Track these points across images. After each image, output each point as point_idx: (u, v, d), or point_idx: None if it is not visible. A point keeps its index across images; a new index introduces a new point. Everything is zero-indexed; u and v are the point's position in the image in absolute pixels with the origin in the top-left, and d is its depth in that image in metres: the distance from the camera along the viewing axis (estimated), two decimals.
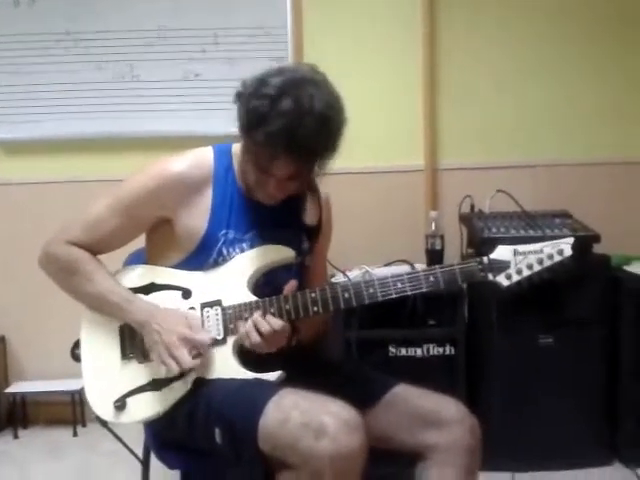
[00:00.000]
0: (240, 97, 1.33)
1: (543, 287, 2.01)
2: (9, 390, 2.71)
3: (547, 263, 1.33)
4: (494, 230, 2.21)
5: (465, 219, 2.45)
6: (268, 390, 1.28)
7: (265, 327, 1.33)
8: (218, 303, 1.41)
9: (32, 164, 2.75)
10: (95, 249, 1.45)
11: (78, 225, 1.45)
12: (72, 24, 2.66)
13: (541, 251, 1.33)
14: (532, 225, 2.22)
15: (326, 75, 1.35)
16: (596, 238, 2.19)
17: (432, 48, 2.66)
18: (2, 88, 2.70)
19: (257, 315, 1.34)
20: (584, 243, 2.18)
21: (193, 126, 2.65)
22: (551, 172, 2.67)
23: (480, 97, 2.68)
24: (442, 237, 2.42)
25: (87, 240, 1.44)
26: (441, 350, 2.21)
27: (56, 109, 2.69)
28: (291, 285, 1.37)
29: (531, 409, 2.18)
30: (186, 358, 1.34)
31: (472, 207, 2.51)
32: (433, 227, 2.43)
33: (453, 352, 2.21)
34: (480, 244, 2.14)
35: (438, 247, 2.40)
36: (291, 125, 1.26)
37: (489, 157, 2.68)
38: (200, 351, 1.36)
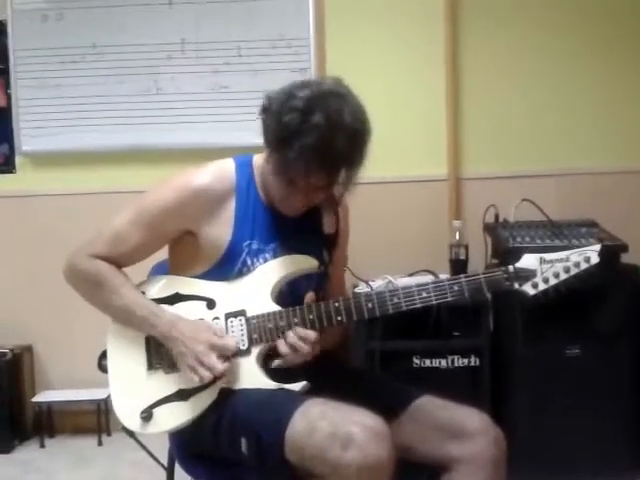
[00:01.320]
0: (267, 112, 1.34)
1: (570, 297, 1.99)
2: (35, 399, 2.74)
3: (574, 271, 1.31)
4: (519, 240, 2.19)
5: (489, 229, 2.43)
6: (294, 400, 1.28)
7: (303, 347, 1.34)
8: (242, 313, 1.41)
9: (58, 176, 2.80)
10: (119, 262, 1.46)
11: (102, 239, 1.45)
12: (98, 38, 2.71)
13: (568, 259, 1.31)
14: (558, 234, 2.20)
15: (349, 87, 1.36)
16: (624, 248, 2.16)
17: (455, 58, 2.66)
18: (30, 101, 2.75)
19: (291, 336, 1.35)
20: (612, 253, 2.14)
21: (217, 138, 2.67)
22: (576, 181, 2.65)
23: (503, 106, 2.67)
24: (466, 247, 2.40)
25: (111, 254, 1.45)
26: (466, 361, 2.19)
27: (82, 122, 2.74)
28: (310, 297, 1.38)
29: (557, 421, 2.15)
30: (216, 363, 1.35)
31: (496, 216, 2.49)
32: (457, 237, 2.41)
33: (478, 363, 2.19)
34: (505, 254, 2.12)
35: (462, 257, 2.38)
36: (324, 139, 1.27)
37: (513, 166, 2.66)
38: (228, 355, 1.37)
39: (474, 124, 2.68)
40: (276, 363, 1.38)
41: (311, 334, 1.35)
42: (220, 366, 1.34)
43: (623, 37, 2.63)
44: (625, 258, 2.18)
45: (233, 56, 2.69)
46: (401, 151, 2.67)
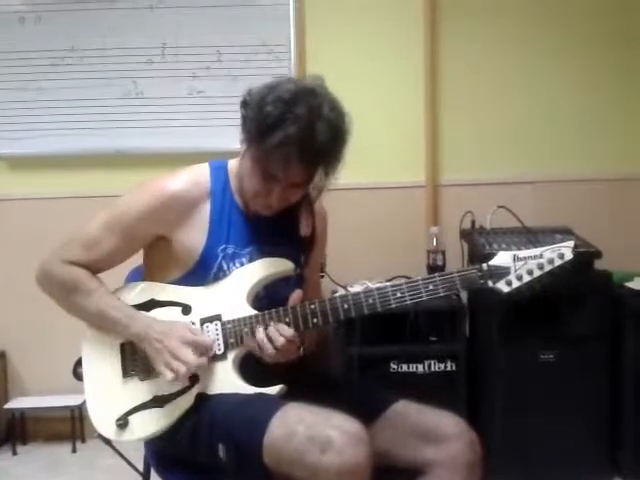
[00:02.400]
0: (249, 104, 1.34)
1: (544, 303, 2.02)
2: (8, 406, 2.70)
3: (548, 268, 1.31)
4: (495, 246, 2.22)
5: (466, 235, 2.46)
6: (272, 405, 1.28)
7: (278, 339, 1.33)
8: (218, 318, 1.41)
9: (36, 180, 2.77)
10: (94, 267, 1.45)
11: (76, 244, 1.45)
12: (77, 41, 2.69)
13: (541, 256, 1.31)
14: (533, 241, 2.22)
15: (329, 90, 1.37)
16: (597, 254, 2.19)
17: (434, 65, 2.68)
18: (8, 104, 2.72)
19: (271, 327, 1.34)
20: (585, 259, 2.18)
21: (197, 142, 2.67)
22: (552, 188, 2.68)
23: (481, 114, 2.70)
24: (443, 253, 2.42)
25: (85, 259, 1.44)
26: (442, 366, 2.20)
27: (61, 125, 2.71)
28: (297, 295, 1.37)
29: (532, 425, 2.17)
30: (191, 357, 1.33)
31: (473, 223, 2.52)
32: (434, 243, 2.44)
33: (454, 368, 2.20)
34: (481, 260, 2.12)
35: (439, 263, 2.40)
36: (306, 130, 1.28)
37: (490, 173, 2.69)
38: (203, 351, 1.36)
39: (452, 131, 2.70)
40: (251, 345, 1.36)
41: (288, 330, 1.34)
42: (194, 359, 1.33)
43: (602, 41, 2.66)
44: (599, 264, 2.22)
45: (214, 61, 2.69)
46: (379, 157, 2.68)
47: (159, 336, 1.36)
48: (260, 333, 1.34)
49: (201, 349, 1.35)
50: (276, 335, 1.33)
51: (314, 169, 1.35)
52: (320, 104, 1.31)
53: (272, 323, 1.35)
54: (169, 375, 1.34)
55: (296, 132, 1.27)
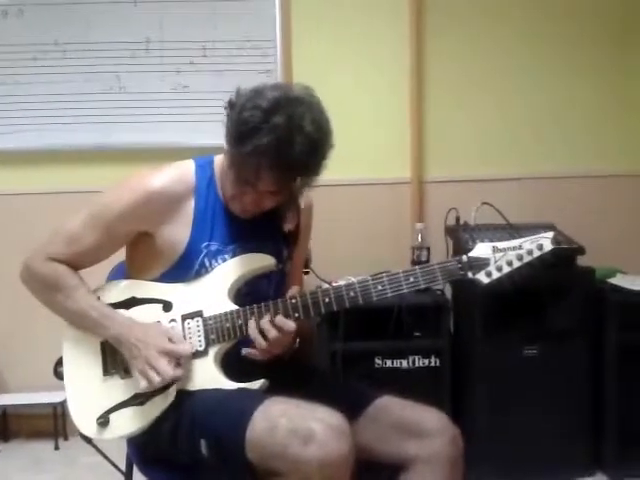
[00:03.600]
0: (232, 107, 1.32)
1: (528, 298, 2.03)
2: None
3: (527, 259, 1.31)
4: (479, 242, 2.22)
5: (451, 231, 2.46)
6: (254, 399, 1.28)
7: (272, 332, 1.32)
8: (199, 314, 1.40)
9: (17, 175, 2.73)
10: (75, 264, 1.44)
11: (58, 240, 1.44)
12: (60, 35, 2.66)
13: (520, 247, 1.31)
14: (516, 237, 2.22)
15: (319, 98, 1.34)
16: (580, 250, 2.21)
17: (419, 62, 2.68)
18: None
19: (265, 319, 1.33)
20: (568, 255, 2.19)
21: (181, 137, 2.65)
22: (536, 185, 2.69)
23: (467, 111, 2.71)
24: (428, 249, 2.42)
25: (67, 255, 1.43)
26: (426, 362, 2.21)
27: (43, 120, 2.68)
28: (295, 289, 1.38)
29: (516, 419, 2.18)
30: (166, 369, 1.33)
31: (457, 219, 2.52)
32: (419, 239, 2.44)
33: (438, 363, 2.21)
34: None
35: (424, 259, 2.41)
36: (280, 141, 1.25)
37: (475, 170, 2.70)
38: (180, 362, 1.35)
39: (438, 127, 2.71)
40: (245, 351, 1.36)
41: (289, 324, 1.33)
42: (169, 371, 1.33)
43: (587, 39, 2.68)
44: (582, 261, 2.23)
45: (198, 56, 2.67)
46: (365, 153, 2.68)
47: (137, 343, 1.36)
48: (252, 329, 1.34)
49: (178, 359, 1.35)
50: (269, 327, 1.32)
51: (288, 180, 1.32)
52: (302, 115, 1.27)
53: (268, 315, 1.34)
54: (143, 384, 1.35)
55: (269, 143, 1.25)
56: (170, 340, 1.37)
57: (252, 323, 1.34)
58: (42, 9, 2.67)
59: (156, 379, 1.33)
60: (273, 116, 1.26)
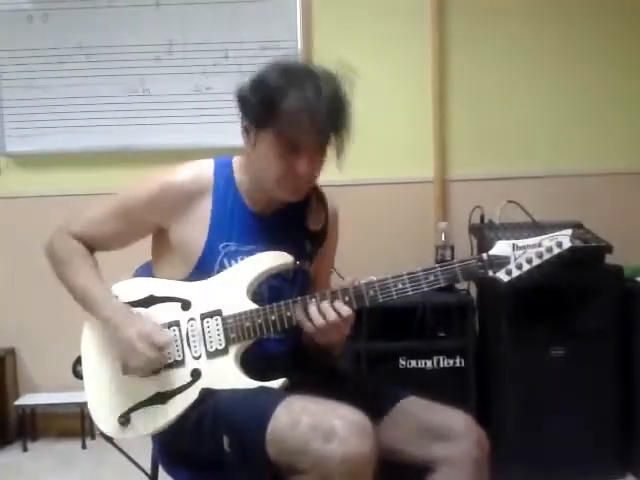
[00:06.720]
0: (247, 90, 1.36)
1: (554, 297, 2.00)
2: (19, 402, 2.72)
3: (547, 256, 1.31)
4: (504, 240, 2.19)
5: (475, 230, 2.44)
6: (276, 396, 1.28)
7: (331, 314, 1.32)
8: (218, 313, 1.39)
9: (43, 177, 2.78)
10: (93, 246, 1.49)
11: (81, 219, 1.49)
12: (84, 39, 2.70)
13: (540, 244, 1.31)
14: (542, 235, 2.20)
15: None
16: (608, 249, 2.17)
17: (442, 61, 2.67)
18: (15, 102, 2.73)
19: (325, 302, 1.33)
20: (596, 253, 2.16)
21: (204, 139, 2.67)
22: (562, 182, 2.66)
23: (490, 108, 2.69)
24: (452, 248, 2.40)
25: (86, 236, 1.47)
26: (451, 362, 2.19)
27: (68, 123, 2.73)
28: (349, 281, 1.37)
29: (542, 421, 2.15)
30: (144, 350, 1.34)
31: (482, 218, 2.50)
32: (443, 238, 2.42)
33: (463, 364, 2.19)
34: None
35: (448, 258, 2.38)
36: (311, 92, 1.30)
37: (499, 168, 2.67)
38: (158, 345, 1.35)
39: (461, 126, 2.69)
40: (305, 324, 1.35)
41: (345, 309, 1.33)
42: (149, 353, 1.33)
43: (610, 39, 2.65)
44: (610, 259, 2.20)
45: (221, 57, 2.69)
46: (388, 153, 2.67)
47: (120, 325, 1.37)
48: (312, 306, 1.33)
49: (157, 344, 1.35)
50: (329, 309, 1.33)
51: (329, 128, 1.35)
52: (313, 72, 1.35)
53: (272, 318, 1.35)
54: (120, 369, 1.38)
55: (300, 96, 1.30)
56: (155, 326, 1.37)
57: (313, 306, 1.34)
58: (66, 13, 2.71)
59: (133, 361, 1.35)
60: (293, 75, 1.33)
